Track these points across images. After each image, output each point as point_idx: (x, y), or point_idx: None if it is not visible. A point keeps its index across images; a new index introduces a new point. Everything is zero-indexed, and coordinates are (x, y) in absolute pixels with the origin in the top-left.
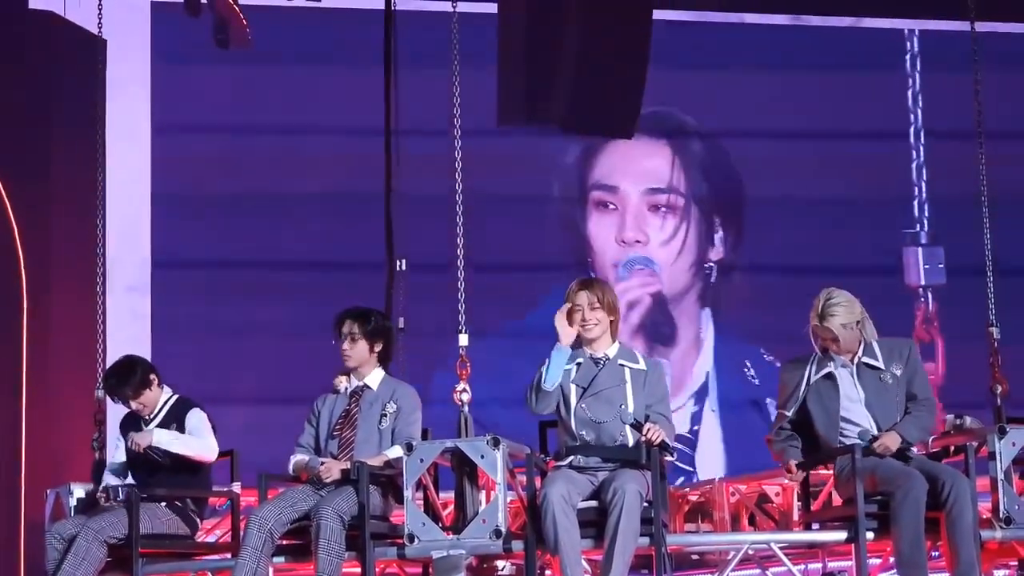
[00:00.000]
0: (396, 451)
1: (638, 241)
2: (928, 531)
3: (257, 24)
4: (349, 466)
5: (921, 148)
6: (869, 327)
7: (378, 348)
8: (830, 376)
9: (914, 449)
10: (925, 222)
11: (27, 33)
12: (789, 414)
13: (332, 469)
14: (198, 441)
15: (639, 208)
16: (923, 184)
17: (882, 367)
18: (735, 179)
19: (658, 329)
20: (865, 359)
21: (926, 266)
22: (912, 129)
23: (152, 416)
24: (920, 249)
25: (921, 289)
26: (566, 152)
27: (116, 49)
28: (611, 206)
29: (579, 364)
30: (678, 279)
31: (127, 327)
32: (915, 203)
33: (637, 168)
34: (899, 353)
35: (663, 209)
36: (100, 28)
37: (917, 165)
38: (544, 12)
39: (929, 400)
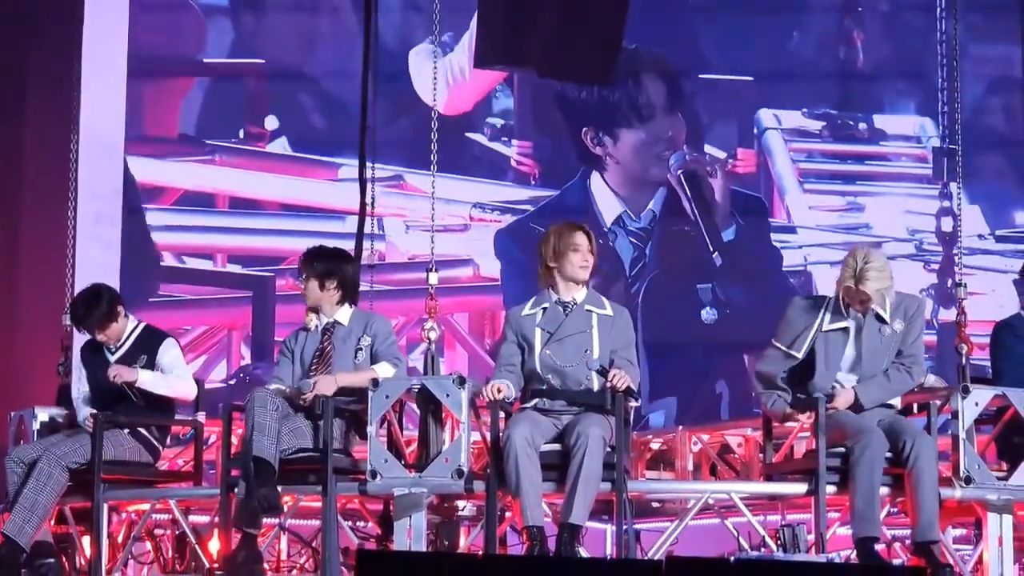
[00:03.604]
0: (386, 369)
1: None
2: (893, 487)
3: None
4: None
5: None
6: (892, 290)
7: (331, 286)
8: (845, 331)
9: (897, 405)
10: None
11: None
12: (800, 356)
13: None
14: (180, 383)
15: None
16: None
17: (887, 319)
18: None
19: None
20: (875, 308)
21: None
22: None
23: (118, 346)
24: None
25: None
26: None
27: None
28: None
29: (545, 309)
30: None
31: (96, 254)
32: None
33: None
34: (905, 308)
35: None
36: None
37: None
38: None
39: (913, 358)
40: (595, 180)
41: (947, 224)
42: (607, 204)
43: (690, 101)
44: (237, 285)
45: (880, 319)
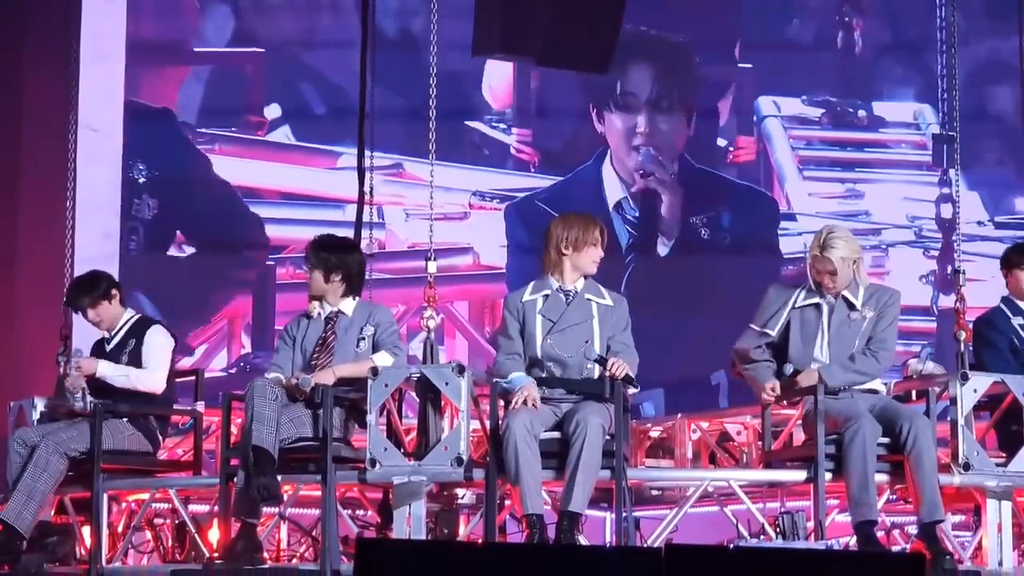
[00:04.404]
0: (385, 358)
1: None
2: (892, 473)
3: None
4: (334, 377)
5: None
6: (863, 270)
7: (335, 278)
8: (818, 307)
9: (882, 391)
10: None
11: None
12: (773, 334)
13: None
14: (145, 376)
15: None
16: None
17: (858, 306)
18: None
19: None
20: (846, 294)
21: None
22: None
23: (112, 334)
24: None
25: None
26: None
27: None
28: None
29: (546, 296)
30: None
31: (96, 244)
32: None
33: None
34: (878, 298)
35: None
36: None
37: None
38: None
39: (882, 344)
40: (606, 163)
41: (946, 211)
42: (612, 188)
43: (687, 89)
44: None
45: (851, 305)
